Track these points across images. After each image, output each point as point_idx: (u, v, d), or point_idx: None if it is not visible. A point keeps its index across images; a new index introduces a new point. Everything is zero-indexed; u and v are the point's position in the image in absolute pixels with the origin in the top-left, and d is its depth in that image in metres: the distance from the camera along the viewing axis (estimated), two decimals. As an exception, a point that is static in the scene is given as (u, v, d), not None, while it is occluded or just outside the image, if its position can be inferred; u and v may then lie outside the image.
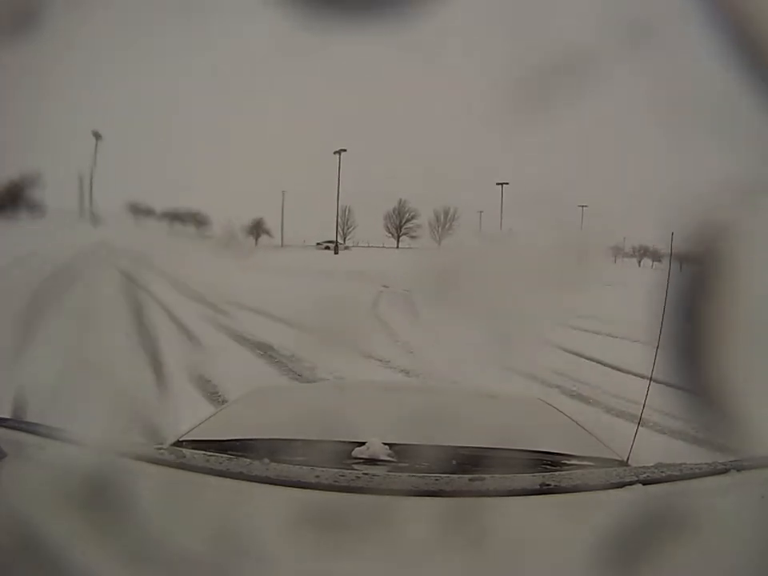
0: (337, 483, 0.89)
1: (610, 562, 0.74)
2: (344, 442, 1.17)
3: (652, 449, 1.22)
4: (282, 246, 20.12)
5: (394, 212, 22.48)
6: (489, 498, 0.87)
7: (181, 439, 1.31)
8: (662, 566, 0.76)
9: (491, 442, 1.18)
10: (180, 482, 0.92)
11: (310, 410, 1.52)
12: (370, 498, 0.87)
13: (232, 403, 1.82)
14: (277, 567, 0.75)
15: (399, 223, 22.54)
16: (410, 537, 0.80)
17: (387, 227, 22.75)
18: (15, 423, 1.02)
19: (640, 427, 1.29)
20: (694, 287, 1.01)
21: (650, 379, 1.21)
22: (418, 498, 0.87)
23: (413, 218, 22.29)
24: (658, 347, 1.11)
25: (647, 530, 0.80)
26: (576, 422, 1.65)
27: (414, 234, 22.13)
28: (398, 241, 22.51)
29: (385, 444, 1.17)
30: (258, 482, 0.90)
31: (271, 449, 1.07)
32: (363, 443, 1.17)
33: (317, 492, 0.87)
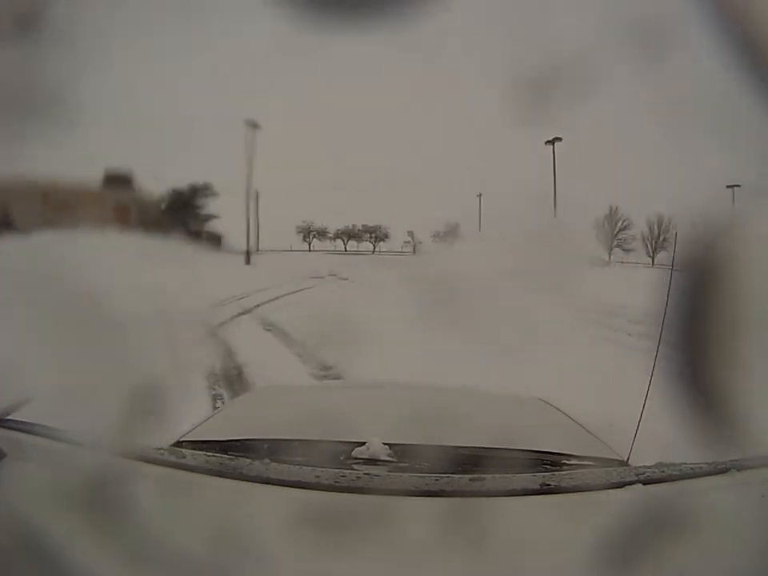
0: (337, 483, 0.89)
1: (610, 562, 0.74)
2: (344, 442, 1.17)
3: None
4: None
5: (605, 220, 18.62)
6: (489, 498, 0.87)
7: (181, 439, 1.31)
8: (662, 566, 0.76)
9: (491, 442, 1.18)
10: (180, 482, 0.92)
11: (310, 410, 1.52)
12: (370, 498, 0.87)
13: (232, 403, 1.82)
14: (277, 567, 0.75)
15: (612, 234, 18.72)
16: (410, 537, 0.80)
17: (598, 237, 18.49)
18: (15, 423, 1.02)
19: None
20: (695, 287, 1.01)
21: (650, 378, 1.21)
22: (418, 498, 0.87)
23: (626, 227, 18.63)
24: (658, 347, 1.11)
25: (647, 530, 0.80)
26: (576, 422, 1.65)
27: (627, 247, 18.48)
28: (609, 254, 18.68)
29: (385, 444, 1.17)
30: (258, 482, 0.90)
31: (271, 449, 1.07)
32: (363, 443, 1.17)
33: (317, 492, 0.87)
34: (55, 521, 0.80)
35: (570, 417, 1.71)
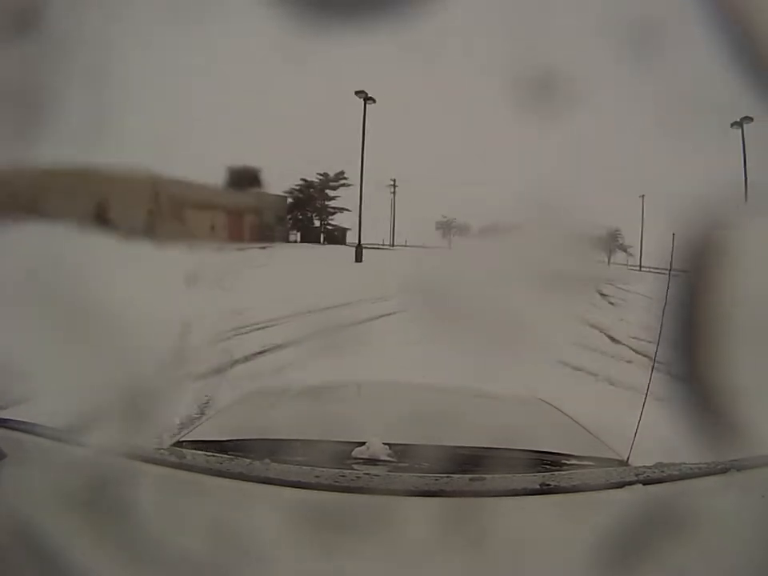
0: (337, 483, 0.89)
1: (610, 561, 0.74)
2: (344, 442, 1.17)
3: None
4: (640, 269, 14.85)
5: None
6: (489, 498, 0.87)
7: (181, 440, 1.31)
8: (662, 566, 0.76)
9: (491, 442, 1.18)
10: (180, 482, 0.92)
11: (310, 410, 1.52)
12: (370, 498, 0.87)
13: (232, 404, 1.82)
14: (277, 567, 0.75)
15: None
16: (410, 537, 0.80)
17: None
18: (15, 423, 1.02)
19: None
20: (695, 287, 1.01)
21: (650, 379, 1.21)
22: (417, 498, 0.87)
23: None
24: (657, 348, 1.11)
25: (647, 529, 0.80)
26: (576, 422, 1.65)
27: None
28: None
29: (385, 444, 1.17)
30: (258, 482, 0.90)
31: (271, 449, 1.07)
32: (363, 443, 1.17)
33: (317, 492, 0.87)
34: (55, 521, 0.80)
35: (570, 417, 1.71)
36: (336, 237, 15.73)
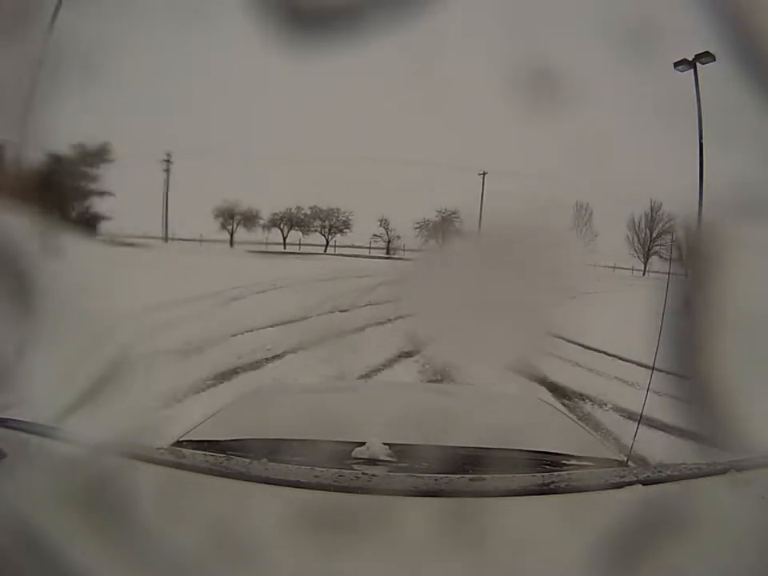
0: (336, 483, 0.89)
1: (610, 562, 0.74)
2: (344, 442, 1.17)
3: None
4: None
5: (641, 220, 15.11)
6: (489, 498, 0.87)
7: (180, 439, 1.31)
8: (662, 566, 0.76)
9: (491, 442, 1.18)
10: (180, 482, 0.92)
11: (310, 410, 1.52)
12: (369, 498, 0.87)
13: (231, 403, 1.82)
14: (277, 567, 0.75)
15: (648, 237, 14.81)
16: (410, 537, 0.80)
17: (633, 242, 14.86)
18: (15, 423, 1.01)
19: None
20: (695, 289, 1.01)
21: (650, 380, 1.21)
22: (417, 498, 0.87)
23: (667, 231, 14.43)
24: (657, 348, 1.11)
25: (647, 529, 0.80)
26: (576, 422, 1.65)
27: (665, 255, 14.72)
28: (645, 265, 14.59)
29: (385, 444, 1.17)
30: (258, 482, 0.90)
31: (271, 449, 1.07)
32: (363, 443, 1.17)
33: (316, 492, 0.87)
34: (55, 521, 0.80)
35: (570, 417, 1.71)
36: (89, 227, 10.94)
